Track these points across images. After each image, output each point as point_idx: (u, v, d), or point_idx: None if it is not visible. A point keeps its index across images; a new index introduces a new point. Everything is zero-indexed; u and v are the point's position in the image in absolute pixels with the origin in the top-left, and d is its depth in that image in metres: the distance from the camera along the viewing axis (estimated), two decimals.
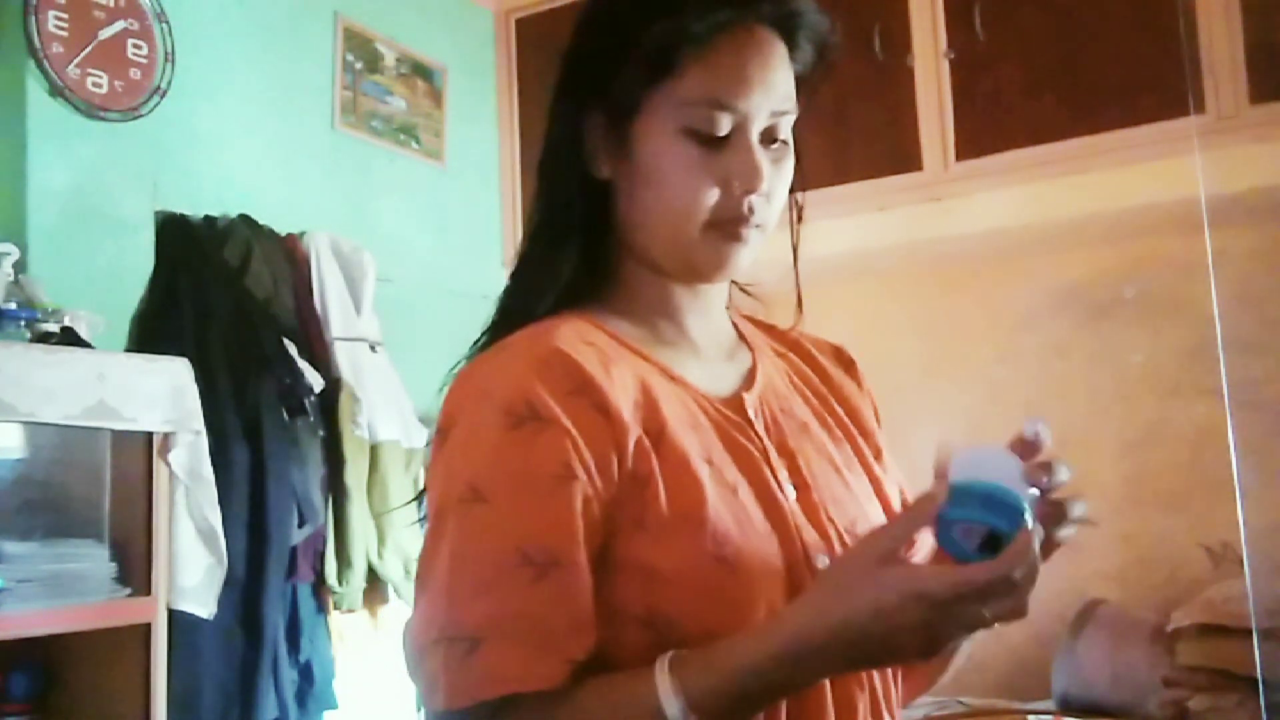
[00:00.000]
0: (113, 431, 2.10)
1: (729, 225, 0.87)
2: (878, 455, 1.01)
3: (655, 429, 0.83)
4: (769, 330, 1.06)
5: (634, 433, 0.82)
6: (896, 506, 0.97)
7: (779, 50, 0.87)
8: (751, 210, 0.87)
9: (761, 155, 0.86)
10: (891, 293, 3.36)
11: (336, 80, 3.14)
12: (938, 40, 2.88)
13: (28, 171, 2.35)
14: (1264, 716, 2.21)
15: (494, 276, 3.63)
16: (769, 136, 0.88)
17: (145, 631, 2.08)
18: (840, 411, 1.00)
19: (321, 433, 2.63)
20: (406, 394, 2.93)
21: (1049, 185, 2.76)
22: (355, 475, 2.67)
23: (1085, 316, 3.10)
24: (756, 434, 0.90)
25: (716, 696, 0.73)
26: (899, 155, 2.92)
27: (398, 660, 3.20)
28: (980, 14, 2.80)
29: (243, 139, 2.86)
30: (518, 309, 0.92)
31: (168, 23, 2.63)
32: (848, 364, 1.07)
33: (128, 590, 2.07)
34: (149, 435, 2.11)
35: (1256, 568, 2.42)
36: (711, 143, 0.85)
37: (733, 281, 1.04)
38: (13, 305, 2.11)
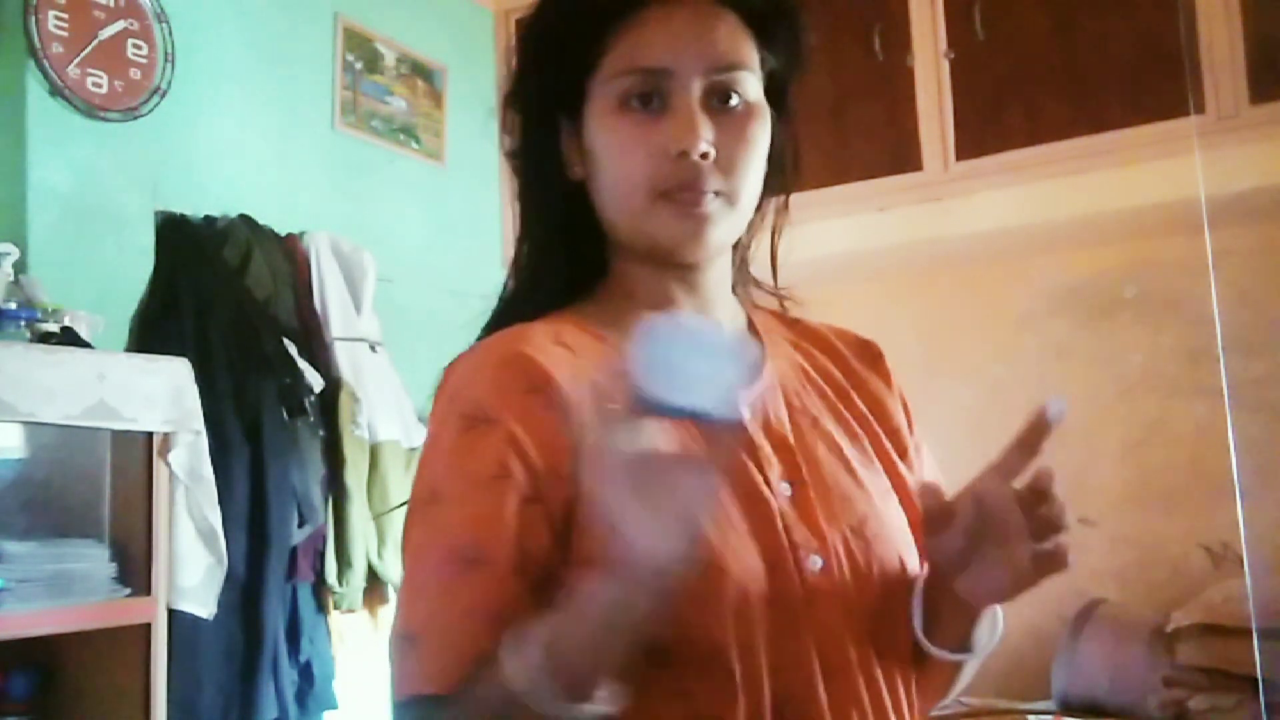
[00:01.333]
0: (113, 431, 2.10)
1: (680, 193, 0.85)
2: (903, 453, 0.99)
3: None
4: (790, 324, 1.03)
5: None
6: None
7: (719, 13, 0.86)
8: (699, 175, 0.84)
9: (702, 116, 0.84)
10: (891, 293, 3.36)
11: (336, 80, 3.14)
12: (938, 40, 2.88)
13: (28, 171, 2.35)
14: (1264, 716, 2.21)
15: (494, 276, 3.59)
16: (717, 96, 0.85)
17: (145, 631, 2.08)
18: (861, 406, 0.98)
19: (321, 433, 2.63)
20: (406, 394, 2.93)
21: (1049, 185, 2.76)
22: (355, 475, 2.67)
23: (1085, 316, 3.10)
24: (746, 430, 0.87)
25: (553, 648, 0.69)
26: (899, 155, 2.92)
27: None
28: (980, 14, 2.80)
29: (243, 139, 2.86)
30: (507, 314, 0.93)
31: (168, 23, 2.63)
32: (874, 358, 1.03)
33: (128, 590, 2.07)
34: (149, 435, 2.11)
35: (1256, 568, 2.42)
36: (649, 111, 0.84)
37: (756, 283, 1.03)
38: (13, 305, 2.10)
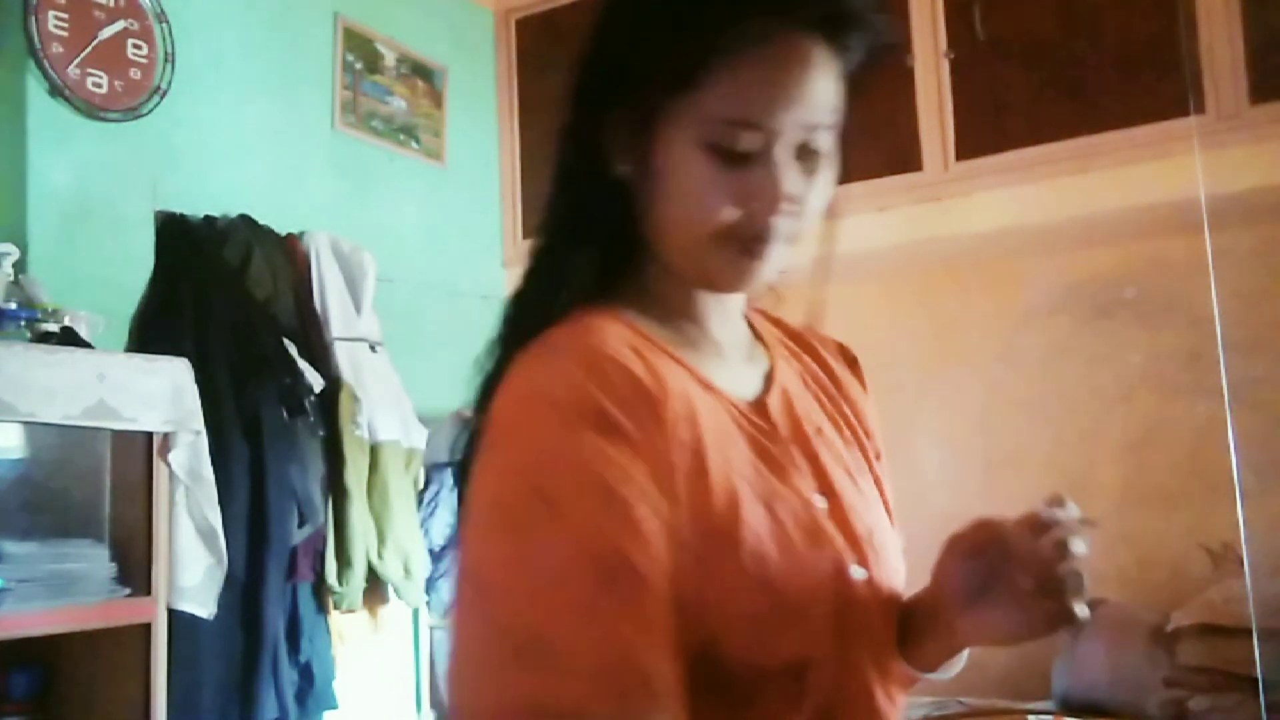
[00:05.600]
0: (113, 431, 2.10)
1: (750, 243, 0.82)
2: (878, 456, 0.99)
3: (695, 443, 0.80)
4: (777, 323, 1.02)
5: (686, 447, 0.79)
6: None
7: (819, 58, 0.80)
8: (774, 228, 0.81)
9: (789, 173, 0.80)
10: (891, 293, 3.36)
11: (336, 80, 3.14)
12: (938, 40, 2.88)
13: (28, 171, 2.36)
14: (1264, 716, 2.21)
15: (494, 276, 3.64)
16: (803, 150, 0.81)
17: (145, 631, 2.08)
18: (849, 413, 0.97)
19: (321, 433, 2.63)
20: (406, 394, 2.93)
21: (1049, 185, 2.76)
22: (355, 475, 2.67)
23: (1085, 316, 3.10)
24: (783, 442, 0.87)
25: None
26: (899, 155, 2.92)
27: (397, 660, 3.18)
28: (980, 14, 2.80)
29: (243, 139, 2.86)
30: (536, 307, 0.87)
31: (168, 23, 2.63)
32: (851, 362, 1.03)
33: (128, 590, 2.07)
34: (149, 435, 2.11)
35: (1256, 568, 2.41)
36: (734, 159, 0.80)
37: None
38: (13, 305, 2.11)
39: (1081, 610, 0.77)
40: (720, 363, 0.89)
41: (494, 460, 0.77)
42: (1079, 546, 0.78)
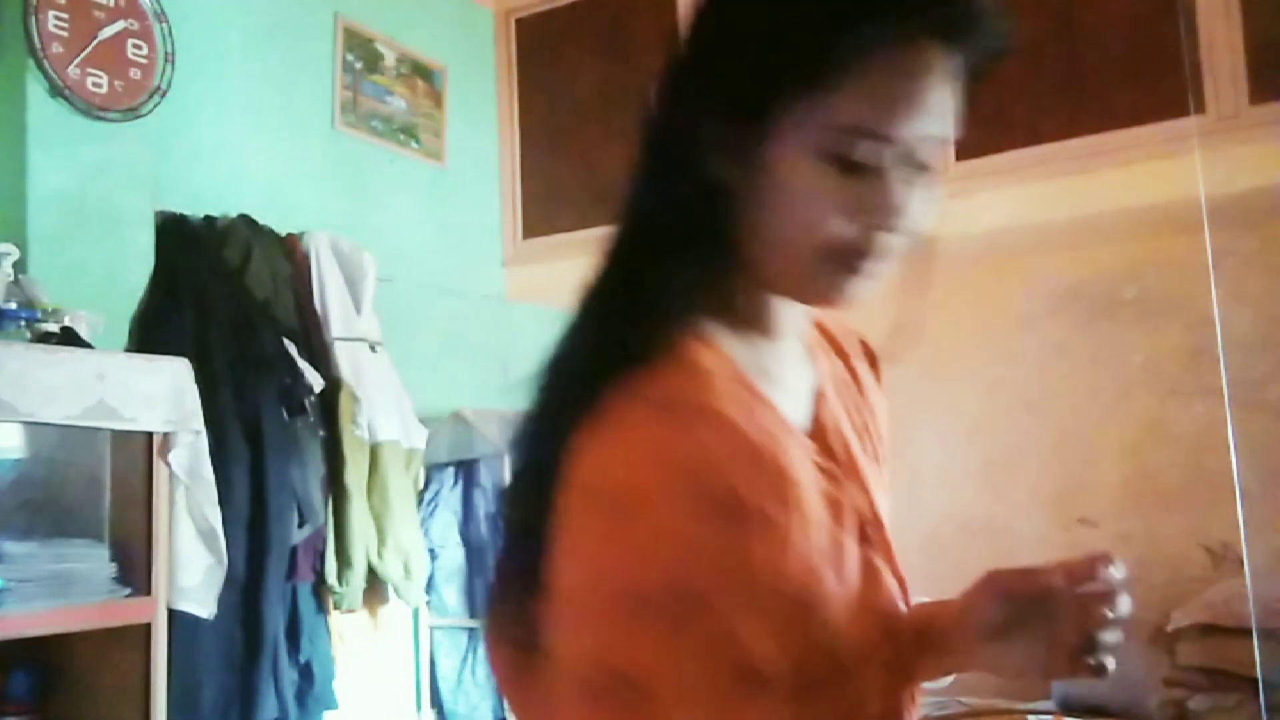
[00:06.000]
0: (113, 431, 2.10)
1: (852, 259, 0.78)
2: (883, 460, 0.97)
3: (787, 489, 0.77)
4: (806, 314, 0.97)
5: (804, 522, 0.77)
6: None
7: (943, 68, 0.76)
8: (885, 247, 0.78)
9: (905, 188, 0.77)
10: (891, 293, 3.36)
11: (336, 80, 3.14)
12: None
13: (28, 171, 2.35)
14: (1264, 716, 2.21)
15: (494, 276, 3.64)
16: (913, 163, 0.78)
17: (145, 631, 2.08)
18: (869, 423, 0.94)
19: (321, 433, 2.64)
20: (406, 394, 2.93)
21: (1049, 185, 2.76)
22: (355, 475, 2.67)
23: (1085, 316, 3.10)
24: (842, 481, 0.84)
25: None
26: None
27: (397, 660, 3.18)
28: None
29: (243, 139, 2.86)
30: (629, 328, 0.78)
31: (168, 23, 2.63)
32: (872, 359, 0.99)
33: (128, 590, 2.07)
34: (149, 435, 2.11)
35: (1256, 568, 2.42)
36: (851, 170, 0.76)
37: None
38: (13, 305, 2.10)
39: (1110, 664, 0.77)
40: (783, 385, 0.85)
41: (622, 540, 0.72)
42: (1124, 606, 0.77)
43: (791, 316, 0.86)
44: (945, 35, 0.76)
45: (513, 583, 0.80)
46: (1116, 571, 0.78)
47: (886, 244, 0.78)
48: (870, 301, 0.82)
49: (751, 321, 0.84)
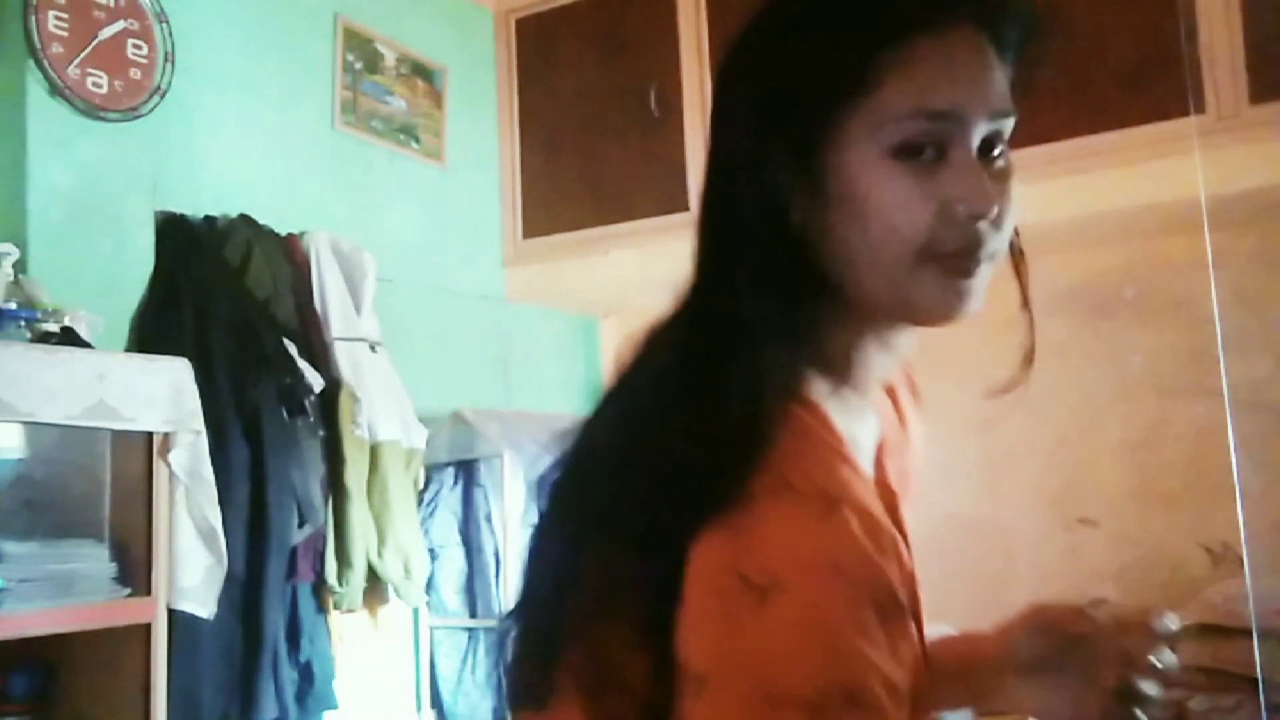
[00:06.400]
0: (113, 431, 2.10)
1: (954, 259, 0.74)
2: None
3: (912, 581, 0.76)
4: None
5: (914, 589, 0.77)
6: None
7: (982, 47, 0.74)
8: (981, 239, 0.74)
9: (980, 172, 0.73)
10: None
11: (336, 80, 3.14)
12: None
13: (28, 171, 2.35)
14: (1264, 716, 2.21)
15: (494, 276, 3.64)
16: (989, 147, 0.75)
17: (145, 631, 2.08)
18: (909, 465, 0.91)
19: (321, 433, 2.64)
20: (406, 394, 2.93)
21: (1049, 185, 2.76)
22: (355, 475, 2.67)
23: (1085, 316, 3.10)
24: (906, 535, 0.80)
25: None
26: None
27: (397, 660, 3.18)
28: None
29: (243, 139, 2.86)
30: (764, 405, 0.72)
31: (168, 23, 2.63)
32: (914, 388, 0.96)
33: (128, 590, 2.07)
34: (149, 435, 2.11)
35: (1256, 568, 2.42)
36: (921, 161, 0.73)
37: None
38: (13, 305, 2.10)
39: (1146, 717, 0.77)
40: (859, 449, 0.79)
41: (800, 640, 0.67)
42: (1170, 659, 0.77)
43: (882, 363, 0.82)
44: (976, 18, 0.75)
45: (540, 641, 0.75)
46: (1170, 624, 0.77)
47: (987, 236, 0.74)
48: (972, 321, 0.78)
49: (843, 373, 0.79)
